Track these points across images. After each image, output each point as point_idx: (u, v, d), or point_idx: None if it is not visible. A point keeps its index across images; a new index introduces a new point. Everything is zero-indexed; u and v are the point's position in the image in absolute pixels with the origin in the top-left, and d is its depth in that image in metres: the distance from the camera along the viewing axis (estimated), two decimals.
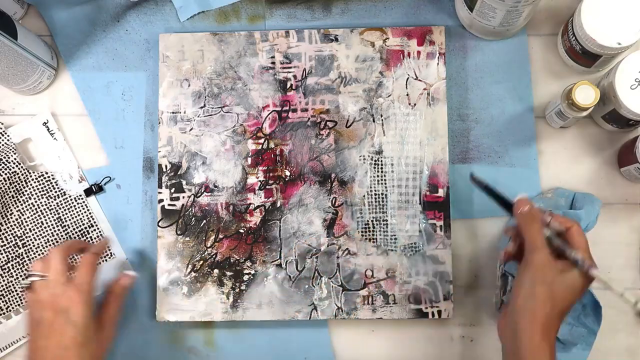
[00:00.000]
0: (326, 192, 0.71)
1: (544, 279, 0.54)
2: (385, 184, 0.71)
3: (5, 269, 0.72)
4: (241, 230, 0.71)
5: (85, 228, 0.73)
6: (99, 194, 0.74)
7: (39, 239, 0.72)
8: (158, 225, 0.71)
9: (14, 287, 0.72)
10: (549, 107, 0.70)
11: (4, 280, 0.72)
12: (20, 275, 0.72)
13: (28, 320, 0.62)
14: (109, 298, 0.67)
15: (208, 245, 0.71)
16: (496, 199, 0.62)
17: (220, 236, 0.71)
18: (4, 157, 0.70)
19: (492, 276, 0.70)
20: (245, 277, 0.70)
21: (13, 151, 0.72)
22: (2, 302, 0.72)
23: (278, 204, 0.71)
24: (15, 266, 0.72)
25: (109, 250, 0.73)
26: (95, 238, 0.73)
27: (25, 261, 0.72)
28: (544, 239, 0.56)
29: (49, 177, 0.73)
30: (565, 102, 0.65)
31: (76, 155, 0.74)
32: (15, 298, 0.72)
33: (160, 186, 0.72)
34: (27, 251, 0.72)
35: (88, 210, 0.73)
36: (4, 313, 0.72)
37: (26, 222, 0.72)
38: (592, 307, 0.67)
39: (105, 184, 0.74)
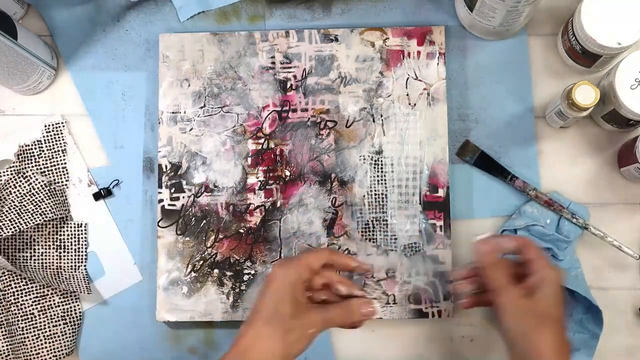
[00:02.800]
0: (326, 192, 0.71)
1: (534, 317, 0.55)
2: (385, 184, 0.71)
3: None
4: (241, 230, 0.71)
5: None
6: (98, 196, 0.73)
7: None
8: (158, 225, 0.71)
9: None
10: (549, 107, 0.70)
11: None
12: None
13: None
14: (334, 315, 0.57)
15: (208, 245, 0.71)
16: (492, 166, 0.67)
17: (220, 236, 0.71)
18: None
19: None
20: (245, 277, 0.70)
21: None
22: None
23: (278, 204, 0.71)
24: None
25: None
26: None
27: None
28: (506, 279, 0.57)
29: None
30: (565, 102, 0.65)
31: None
32: None
33: (160, 186, 0.72)
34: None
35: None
36: None
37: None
38: (593, 312, 0.66)
39: (113, 187, 0.73)
